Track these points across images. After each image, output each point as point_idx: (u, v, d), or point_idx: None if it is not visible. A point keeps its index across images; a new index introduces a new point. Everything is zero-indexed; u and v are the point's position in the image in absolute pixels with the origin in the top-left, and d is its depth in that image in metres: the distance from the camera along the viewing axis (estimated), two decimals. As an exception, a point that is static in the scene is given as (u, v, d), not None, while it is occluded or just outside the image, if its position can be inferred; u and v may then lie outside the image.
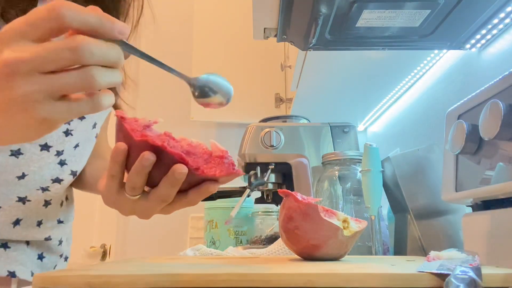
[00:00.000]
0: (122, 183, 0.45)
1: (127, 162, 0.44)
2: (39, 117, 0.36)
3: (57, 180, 0.69)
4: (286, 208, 0.54)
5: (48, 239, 0.72)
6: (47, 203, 0.69)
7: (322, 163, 0.96)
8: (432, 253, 0.45)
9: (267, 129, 1.13)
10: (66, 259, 0.80)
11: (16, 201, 0.66)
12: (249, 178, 1.16)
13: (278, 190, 0.73)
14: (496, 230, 0.54)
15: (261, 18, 0.83)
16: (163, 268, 0.40)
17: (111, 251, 2.09)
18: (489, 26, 0.77)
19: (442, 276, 0.34)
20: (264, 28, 0.86)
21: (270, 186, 1.18)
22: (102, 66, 0.37)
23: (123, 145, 0.43)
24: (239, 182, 1.40)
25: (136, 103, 2.03)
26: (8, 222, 0.67)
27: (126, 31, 0.38)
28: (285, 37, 0.87)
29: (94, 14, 0.37)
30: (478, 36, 0.81)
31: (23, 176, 0.64)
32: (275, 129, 1.13)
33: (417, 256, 0.66)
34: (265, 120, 1.26)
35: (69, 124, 0.66)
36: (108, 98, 0.39)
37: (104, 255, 2.08)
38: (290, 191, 0.55)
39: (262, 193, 1.23)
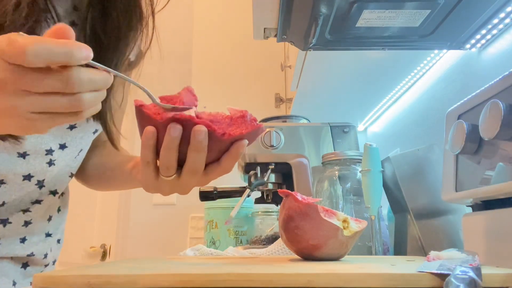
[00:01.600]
0: (157, 168, 0.47)
1: (157, 147, 0.45)
2: (25, 124, 0.39)
3: (37, 202, 0.69)
4: (286, 208, 0.54)
5: (31, 255, 0.71)
6: (27, 223, 0.69)
7: (322, 163, 0.96)
8: (432, 253, 0.45)
9: (267, 129, 1.13)
10: (53, 262, 0.78)
11: None
12: (249, 178, 1.16)
13: (278, 190, 0.73)
14: (496, 230, 0.54)
15: (261, 18, 0.83)
16: (163, 268, 0.40)
17: (111, 251, 2.09)
18: (489, 26, 0.77)
19: (442, 276, 0.34)
20: (264, 28, 0.86)
21: (270, 186, 1.18)
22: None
23: (152, 128, 0.44)
24: (239, 182, 1.40)
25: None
26: None
27: (90, 55, 0.39)
28: (285, 37, 0.87)
29: (59, 46, 0.37)
30: (478, 36, 0.81)
31: (3, 204, 0.65)
32: (275, 129, 1.13)
33: (417, 256, 0.66)
34: (265, 120, 1.26)
35: (51, 154, 0.66)
36: (92, 112, 0.41)
37: (104, 255, 2.08)
38: (290, 191, 0.55)
39: (262, 193, 1.23)
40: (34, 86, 0.37)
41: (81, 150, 0.71)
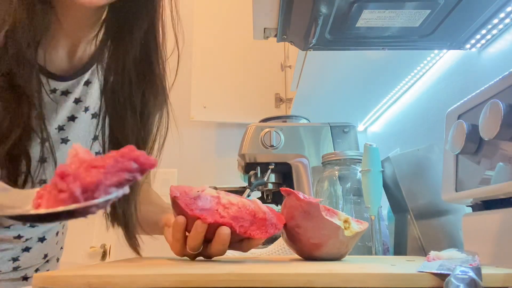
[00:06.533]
0: (185, 244, 0.54)
1: (187, 228, 0.52)
2: None
3: (26, 249, 0.74)
4: (288, 207, 0.54)
5: (25, 277, 0.76)
6: (16, 268, 0.74)
7: (322, 163, 0.96)
8: (432, 253, 0.45)
9: (267, 129, 1.13)
10: (57, 260, 0.84)
11: None
12: (249, 178, 1.16)
13: (280, 188, 0.73)
14: (496, 230, 0.54)
15: (261, 18, 0.83)
16: (163, 268, 0.40)
17: (111, 251, 2.09)
18: (489, 26, 0.77)
19: (442, 276, 0.34)
20: (264, 28, 0.86)
21: (270, 186, 1.19)
22: None
23: (182, 218, 0.51)
24: (239, 182, 1.40)
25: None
26: None
27: None
28: (285, 37, 0.87)
29: None
30: (478, 36, 0.81)
31: None
32: (275, 129, 1.13)
33: (417, 256, 0.66)
34: (265, 120, 1.26)
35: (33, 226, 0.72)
36: None
37: (104, 255, 2.08)
38: (292, 190, 0.55)
39: (262, 193, 1.23)
40: None
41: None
